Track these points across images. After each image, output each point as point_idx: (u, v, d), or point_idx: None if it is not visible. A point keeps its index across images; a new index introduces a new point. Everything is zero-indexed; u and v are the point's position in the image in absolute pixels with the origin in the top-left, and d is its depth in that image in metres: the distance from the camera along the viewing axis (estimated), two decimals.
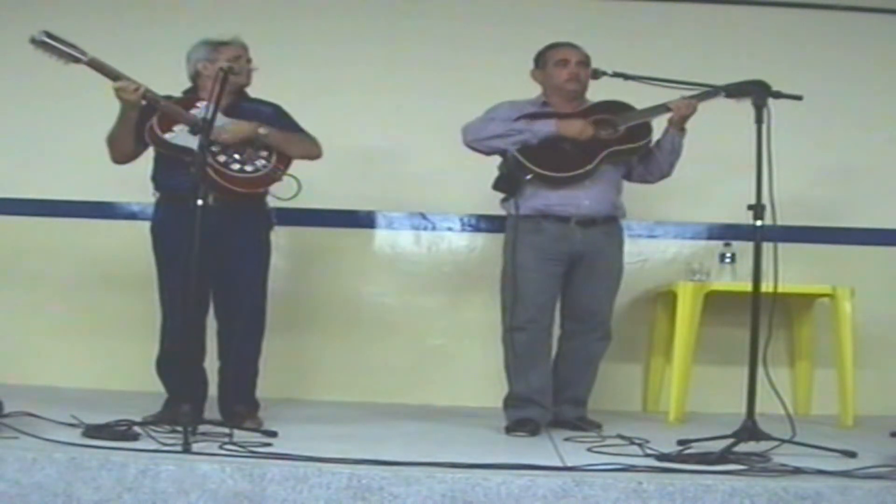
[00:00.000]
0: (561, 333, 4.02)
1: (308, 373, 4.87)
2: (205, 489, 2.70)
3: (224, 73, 3.45)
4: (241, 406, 3.71)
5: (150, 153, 3.76)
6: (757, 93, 3.45)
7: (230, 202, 3.66)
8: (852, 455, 3.18)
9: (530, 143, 3.83)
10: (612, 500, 2.69)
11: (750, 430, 3.22)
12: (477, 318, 4.85)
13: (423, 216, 5.00)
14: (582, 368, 4.01)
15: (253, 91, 3.84)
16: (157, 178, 3.77)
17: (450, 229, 5.02)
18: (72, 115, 4.84)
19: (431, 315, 4.98)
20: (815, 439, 3.26)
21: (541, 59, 3.99)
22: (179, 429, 3.00)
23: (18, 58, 4.77)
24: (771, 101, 3.45)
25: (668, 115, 3.89)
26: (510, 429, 3.77)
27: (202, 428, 3.18)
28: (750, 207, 3.38)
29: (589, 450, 3.25)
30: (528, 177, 3.83)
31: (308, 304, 4.89)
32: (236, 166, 3.66)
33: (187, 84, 3.80)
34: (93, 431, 3.09)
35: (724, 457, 2.98)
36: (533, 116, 3.88)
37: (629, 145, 3.90)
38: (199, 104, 3.57)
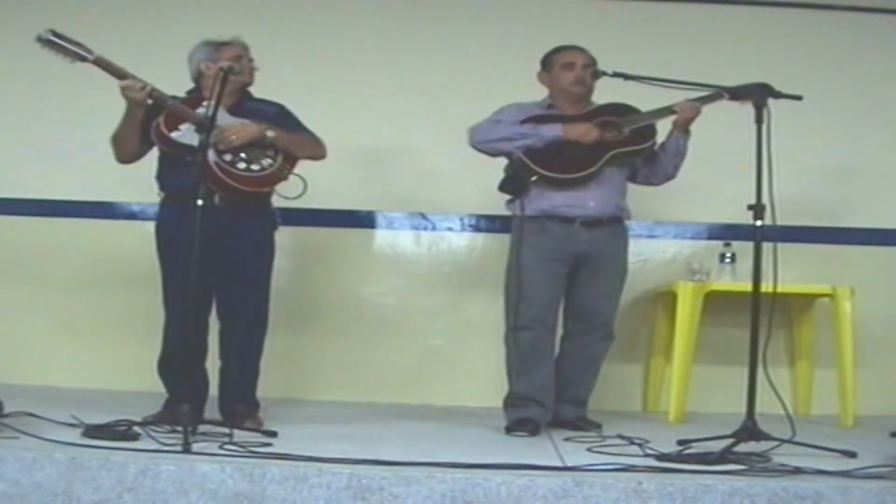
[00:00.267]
0: (563, 333, 4.03)
1: (308, 373, 4.87)
2: (205, 489, 2.70)
3: (224, 72, 3.46)
4: (241, 406, 3.71)
5: (154, 153, 3.76)
6: (757, 93, 3.46)
7: (236, 202, 3.66)
8: (852, 455, 3.18)
9: (536, 146, 3.85)
10: (612, 500, 2.69)
11: (750, 430, 3.22)
12: (477, 318, 4.86)
13: (423, 216, 5.01)
14: (584, 368, 4.02)
15: (254, 90, 3.84)
16: (162, 178, 3.77)
17: (450, 229, 5.02)
18: (72, 116, 4.85)
19: (432, 315, 4.98)
20: (815, 439, 3.27)
21: (547, 62, 4.01)
22: (179, 429, 3.00)
23: (19, 58, 4.80)
24: (771, 101, 3.46)
25: (672, 118, 3.91)
26: (510, 429, 3.77)
27: (202, 428, 3.18)
28: (750, 207, 3.38)
29: (589, 450, 3.26)
30: (534, 178, 3.86)
31: (308, 304, 4.90)
32: (242, 165, 3.66)
33: (190, 84, 3.81)
34: (93, 431, 3.09)
35: (724, 457, 2.98)
36: (539, 119, 3.91)
37: (634, 147, 3.91)
38: (204, 104, 3.57)
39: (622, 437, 3.49)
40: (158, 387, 3.78)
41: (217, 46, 3.73)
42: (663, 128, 3.99)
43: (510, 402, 3.91)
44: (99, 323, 4.86)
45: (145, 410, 3.59)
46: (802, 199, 4.69)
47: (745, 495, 2.69)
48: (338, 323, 4.93)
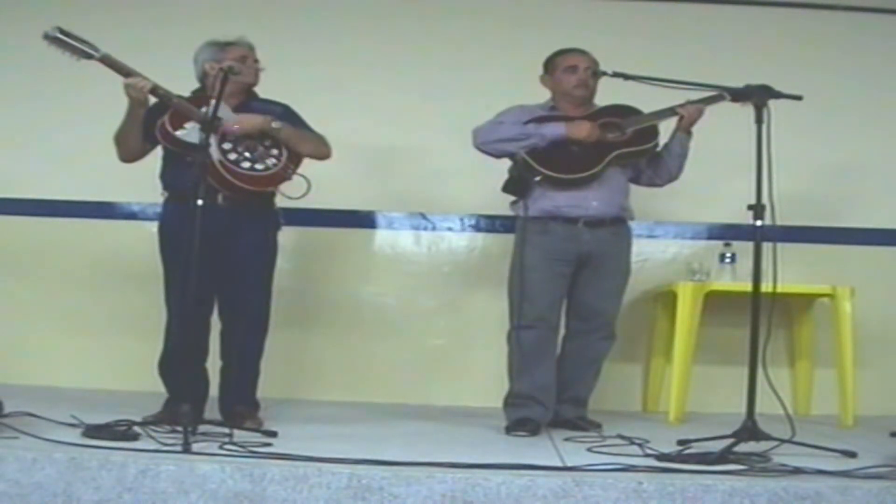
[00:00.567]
0: (565, 333, 4.03)
1: (308, 373, 4.87)
2: (205, 489, 2.70)
3: (225, 72, 3.46)
4: (241, 406, 3.71)
5: (157, 152, 3.76)
6: (757, 93, 3.46)
7: (239, 201, 3.66)
8: (852, 455, 3.18)
9: (539, 146, 3.85)
10: (612, 500, 2.69)
11: (750, 430, 3.22)
12: (477, 317, 4.87)
13: (424, 216, 5.01)
14: (585, 368, 4.02)
15: (257, 90, 3.85)
16: (166, 178, 3.77)
17: (450, 229, 5.02)
18: (72, 116, 4.86)
19: (432, 315, 4.98)
20: (815, 439, 3.26)
21: (550, 65, 4.02)
22: (179, 429, 3.00)
23: (19, 57, 4.83)
24: (771, 102, 3.46)
25: (674, 119, 3.92)
26: (510, 428, 3.77)
27: (202, 428, 3.18)
28: (750, 207, 3.38)
29: (589, 450, 3.25)
30: (537, 178, 3.87)
31: (308, 304, 4.90)
32: (246, 164, 3.66)
33: (195, 83, 3.81)
34: (93, 431, 3.09)
35: (724, 457, 2.98)
36: (542, 120, 3.92)
37: (636, 147, 3.93)
38: (212, 103, 3.57)
39: (622, 437, 3.49)
40: (158, 387, 3.78)
41: (222, 47, 3.74)
42: (665, 129, 4.00)
43: (510, 401, 3.91)
44: (99, 323, 4.86)
45: (145, 410, 3.59)
46: (802, 199, 4.69)
47: (745, 495, 2.69)
48: (338, 323, 4.93)
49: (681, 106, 3.88)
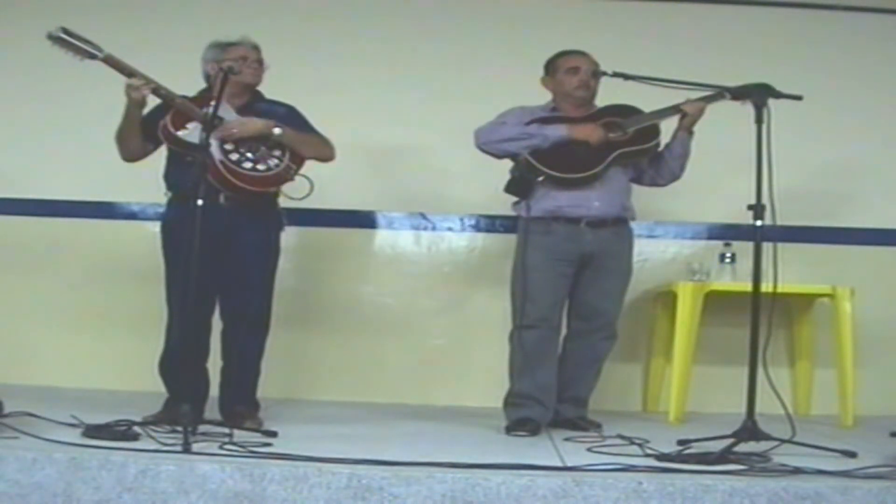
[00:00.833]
0: (566, 333, 4.03)
1: (308, 373, 4.87)
2: (205, 489, 2.70)
3: (224, 72, 3.47)
4: (241, 406, 3.71)
5: (161, 152, 3.76)
6: (757, 93, 3.46)
7: (241, 202, 3.66)
8: (852, 455, 3.18)
9: (541, 147, 3.86)
10: (612, 500, 2.69)
11: (750, 430, 3.22)
12: (477, 317, 4.86)
13: (424, 216, 5.01)
14: (586, 368, 4.02)
15: (262, 91, 3.85)
16: (169, 177, 3.77)
17: (450, 229, 5.02)
18: (73, 116, 4.85)
19: (432, 315, 4.98)
20: (815, 439, 3.27)
21: (551, 67, 4.03)
22: (179, 429, 3.00)
23: (21, 58, 4.83)
24: (771, 101, 3.46)
25: (675, 118, 3.92)
26: (510, 428, 3.78)
27: (202, 428, 3.18)
28: (750, 207, 3.38)
29: (589, 450, 3.26)
30: (540, 178, 3.87)
31: (307, 304, 4.90)
32: (248, 164, 3.66)
33: (200, 83, 3.82)
34: (93, 431, 3.09)
35: (724, 457, 2.98)
36: (544, 121, 3.92)
37: (638, 147, 3.93)
38: (212, 104, 3.58)
39: (622, 437, 3.49)
40: (158, 387, 3.78)
41: (223, 47, 3.75)
42: (667, 128, 4.00)
43: (511, 400, 3.91)
44: (99, 323, 4.86)
45: (145, 410, 3.59)
46: (802, 198, 4.69)
47: (745, 495, 2.69)
48: (338, 323, 4.93)
49: (682, 103, 3.88)
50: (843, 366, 4.37)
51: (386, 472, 2.73)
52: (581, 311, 4.00)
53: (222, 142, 3.63)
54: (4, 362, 4.65)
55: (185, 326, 3.44)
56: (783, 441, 3.21)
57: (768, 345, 3.32)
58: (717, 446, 3.10)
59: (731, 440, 3.14)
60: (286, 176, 3.72)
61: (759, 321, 3.35)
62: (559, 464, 2.99)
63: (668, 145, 4.00)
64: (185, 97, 3.65)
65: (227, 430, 3.21)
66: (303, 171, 3.76)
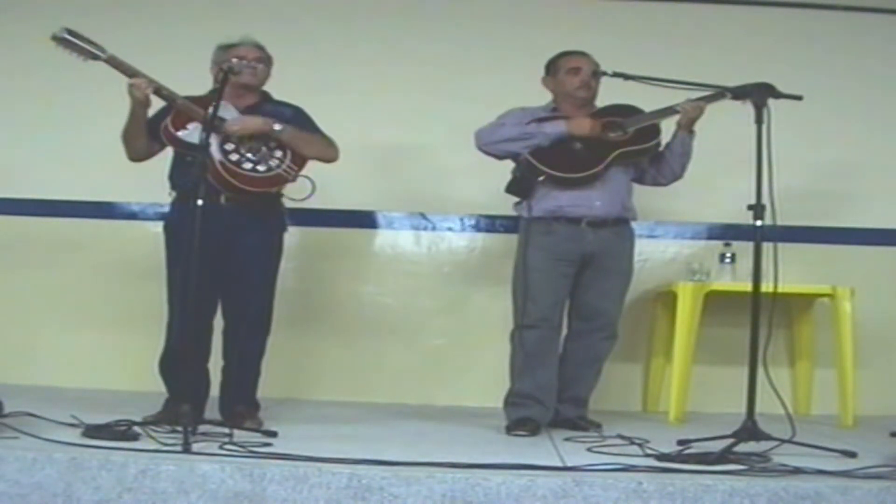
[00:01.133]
0: (567, 333, 4.03)
1: (308, 373, 4.87)
2: (205, 489, 2.70)
3: (224, 72, 3.47)
4: (241, 406, 3.71)
5: (168, 152, 3.76)
6: (757, 93, 3.46)
7: (243, 202, 3.66)
8: (852, 455, 3.18)
9: (542, 146, 3.87)
10: (612, 500, 2.69)
11: (750, 430, 3.22)
12: (477, 317, 4.87)
13: (423, 216, 5.01)
14: (586, 368, 4.02)
15: (269, 91, 3.86)
16: (173, 177, 3.77)
17: (450, 229, 5.02)
18: (73, 116, 4.86)
19: (432, 315, 4.98)
20: (815, 439, 3.27)
21: (552, 67, 4.03)
22: (179, 429, 3.00)
23: (20, 58, 4.83)
24: (771, 101, 3.46)
25: (675, 117, 3.93)
26: (511, 428, 3.78)
27: (202, 428, 3.18)
28: (750, 207, 3.38)
29: (589, 450, 3.26)
30: (541, 178, 3.88)
31: (307, 304, 4.90)
32: (248, 165, 3.66)
33: (202, 83, 3.82)
34: (93, 431, 3.09)
35: (724, 457, 2.98)
36: (543, 120, 3.93)
37: (638, 146, 3.93)
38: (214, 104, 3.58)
39: (622, 437, 3.49)
40: (158, 387, 3.78)
41: (226, 48, 3.76)
42: (667, 128, 4.00)
43: (511, 400, 3.91)
44: (99, 323, 4.86)
45: (145, 410, 3.59)
46: (802, 198, 4.69)
47: (745, 495, 2.69)
48: (338, 323, 4.93)
49: (681, 103, 3.88)
50: (843, 366, 4.37)
51: (386, 472, 2.73)
52: (581, 311, 4.00)
53: (223, 142, 3.63)
54: (4, 362, 4.65)
55: (186, 326, 3.44)
56: (783, 441, 3.21)
57: (768, 345, 3.32)
58: (717, 446, 3.09)
59: (731, 440, 3.14)
60: (287, 177, 3.72)
61: (759, 321, 3.35)
62: (559, 464, 2.99)
63: (668, 145, 4.00)
64: (189, 97, 3.65)
65: (227, 430, 3.20)
66: (304, 171, 3.76)
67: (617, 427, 3.81)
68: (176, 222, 3.71)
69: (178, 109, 3.60)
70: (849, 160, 4.91)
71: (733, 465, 2.90)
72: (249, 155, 3.67)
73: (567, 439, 3.57)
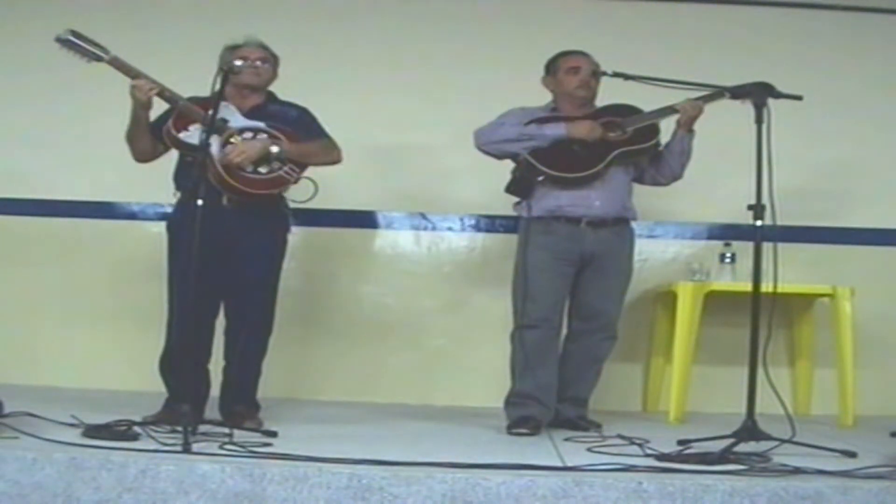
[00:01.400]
0: (567, 333, 4.03)
1: (308, 373, 4.87)
2: (205, 489, 2.70)
3: (224, 73, 3.47)
4: (241, 406, 3.71)
5: (174, 153, 3.76)
6: (757, 93, 3.46)
7: (245, 203, 3.66)
8: (852, 455, 3.18)
9: (541, 146, 3.87)
10: (612, 500, 2.69)
11: (750, 430, 3.22)
12: (477, 317, 4.87)
13: (424, 216, 5.01)
14: (586, 368, 4.02)
15: (275, 92, 3.86)
16: (178, 178, 3.77)
17: (450, 229, 5.02)
18: (74, 116, 4.86)
19: (432, 315, 4.98)
20: (815, 439, 3.26)
21: (552, 67, 4.03)
22: (179, 429, 3.00)
23: (22, 58, 4.83)
24: (771, 101, 3.46)
25: (675, 117, 3.93)
26: (511, 426, 3.78)
27: (202, 428, 3.18)
28: (750, 207, 3.38)
29: (589, 450, 3.25)
30: (540, 178, 3.88)
31: (307, 304, 4.90)
32: (249, 167, 3.66)
33: (204, 84, 3.81)
34: (93, 431, 3.09)
35: (724, 457, 2.98)
36: (543, 121, 3.93)
37: (638, 146, 3.93)
38: (222, 104, 3.58)
39: (622, 437, 3.49)
40: (158, 387, 3.78)
41: (232, 49, 3.75)
42: (667, 128, 4.00)
43: (512, 400, 3.91)
44: (99, 323, 4.86)
45: (145, 410, 3.59)
46: (802, 198, 4.69)
47: (745, 495, 2.69)
48: (338, 323, 4.93)
49: (681, 103, 3.88)
50: (843, 366, 4.37)
51: (386, 472, 2.73)
52: (581, 311, 4.00)
53: (224, 144, 3.62)
54: (4, 362, 4.64)
55: (186, 326, 3.44)
56: (783, 441, 3.21)
57: (768, 345, 3.31)
58: (717, 446, 3.09)
59: (731, 440, 3.14)
60: (288, 179, 3.71)
61: (759, 321, 3.35)
62: (559, 464, 2.99)
63: (668, 144, 4.01)
64: (192, 98, 3.65)
65: (227, 430, 3.21)
66: (306, 172, 3.75)
67: (617, 427, 3.81)
68: (178, 222, 3.70)
69: (180, 111, 3.60)
70: (849, 160, 4.92)
71: (733, 465, 2.90)
72: None
73: (567, 439, 3.57)
